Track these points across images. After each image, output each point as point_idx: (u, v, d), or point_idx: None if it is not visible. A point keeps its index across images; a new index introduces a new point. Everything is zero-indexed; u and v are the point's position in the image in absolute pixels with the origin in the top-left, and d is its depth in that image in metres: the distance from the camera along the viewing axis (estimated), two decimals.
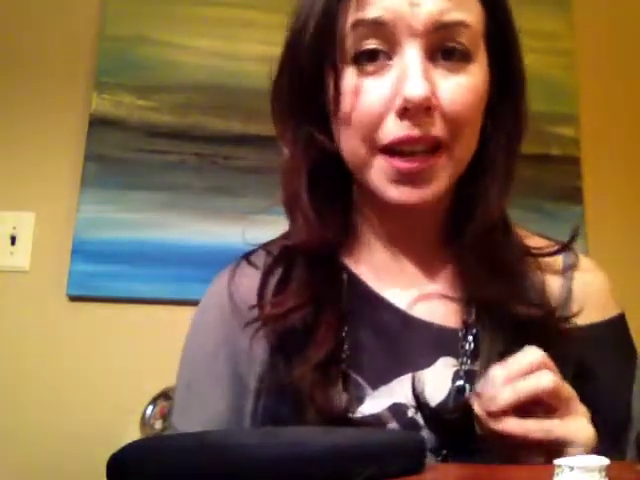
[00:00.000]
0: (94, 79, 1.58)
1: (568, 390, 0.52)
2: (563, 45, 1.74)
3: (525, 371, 0.51)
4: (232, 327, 0.66)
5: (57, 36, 1.62)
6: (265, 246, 0.70)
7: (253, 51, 1.56)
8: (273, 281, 0.66)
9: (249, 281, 0.67)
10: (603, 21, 1.80)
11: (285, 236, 0.68)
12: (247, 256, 0.70)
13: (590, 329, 0.63)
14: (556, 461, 0.39)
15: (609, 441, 0.62)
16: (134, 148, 1.56)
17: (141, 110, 1.58)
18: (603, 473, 0.38)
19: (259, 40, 1.54)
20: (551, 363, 0.53)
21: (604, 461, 0.38)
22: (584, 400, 0.56)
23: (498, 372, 0.52)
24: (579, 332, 0.61)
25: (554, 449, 0.50)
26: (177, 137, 1.58)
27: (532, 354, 0.53)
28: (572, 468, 0.38)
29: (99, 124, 1.55)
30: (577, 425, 0.52)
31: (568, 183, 1.68)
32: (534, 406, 0.52)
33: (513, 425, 0.50)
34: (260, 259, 0.69)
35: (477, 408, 0.52)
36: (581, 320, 0.62)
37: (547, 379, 0.51)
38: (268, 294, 0.65)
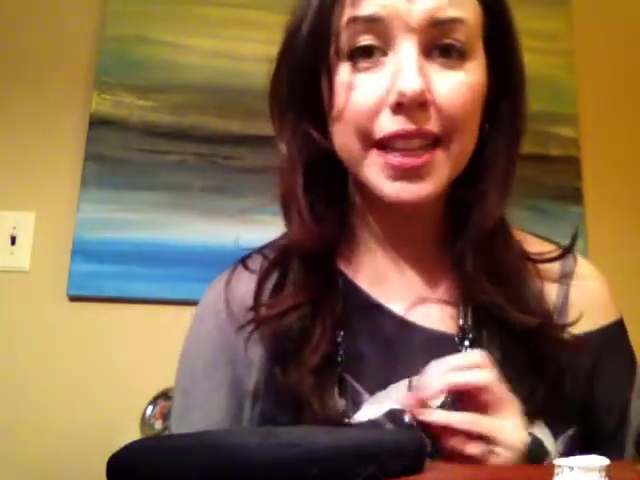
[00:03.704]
0: (94, 79, 1.58)
1: (504, 391, 0.53)
2: (563, 45, 1.74)
3: (462, 366, 0.53)
4: (229, 333, 0.65)
5: (57, 36, 1.62)
6: (261, 249, 0.69)
7: (253, 51, 1.56)
8: (269, 285, 0.65)
9: (246, 286, 0.66)
10: (603, 21, 1.80)
11: (281, 238, 0.67)
12: (243, 260, 0.69)
13: (588, 337, 0.62)
14: (556, 461, 0.39)
15: (603, 446, 0.62)
16: (134, 148, 1.56)
17: (141, 110, 1.58)
18: (603, 473, 0.38)
19: (259, 40, 1.53)
20: (491, 364, 0.54)
21: (604, 461, 0.39)
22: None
23: (434, 365, 0.54)
24: (576, 340, 0.61)
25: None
26: (177, 137, 1.58)
27: (473, 354, 0.55)
28: (572, 468, 0.38)
29: (99, 124, 1.55)
30: (507, 425, 0.52)
31: (568, 183, 1.68)
32: (469, 405, 0.53)
33: (438, 416, 0.52)
34: (257, 263, 0.68)
35: (407, 398, 0.53)
36: (579, 328, 0.62)
37: (482, 375, 0.52)
38: (264, 298, 0.65)
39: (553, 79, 1.71)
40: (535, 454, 0.55)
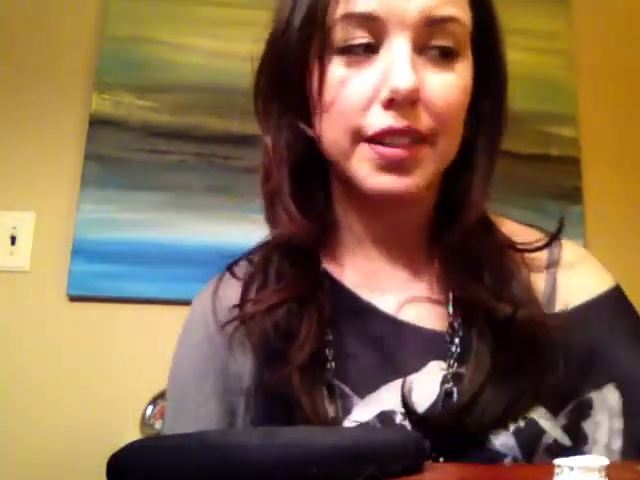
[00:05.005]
0: (94, 79, 1.58)
1: None
2: (563, 45, 1.74)
3: None
4: (218, 344, 0.65)
5: (57, 36, 1.62)
6: (247, 255, 0.69)
7: (253, 51, 1.56)
8: (254, 288, 0.65)
9: (233, 294, 0.65)
10: (603, 21, 1.80)
11: (266, 241, 0.67)
12: (230, 268, 0.68)
13: (585, 307, 0.62)
14: (556, 461, 0.39)
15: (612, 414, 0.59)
16: (134, 148, 1.56)
17: (141, 110, 1.58)
18: (603, 473, 0.38)
19: (260, 40, 1.54)
20: None
21: (604, 461, 0.39)
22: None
23: None
24: (571, 318, 0.60)
25: None
26: (177, 137, 1.58)
27: None
28: (572, 468, 0.38)
29: (99, 124, 1.56)
30: None
31: (567, 183, 1.68)
32: None
33: None
34: (242, 270, 0.68)
35: None
36: (574, 302, 0.61)
37: None
38: (250, 297, 0.64)
39: (553, 79, 1.71)
40: (529, 433, 0.56)
